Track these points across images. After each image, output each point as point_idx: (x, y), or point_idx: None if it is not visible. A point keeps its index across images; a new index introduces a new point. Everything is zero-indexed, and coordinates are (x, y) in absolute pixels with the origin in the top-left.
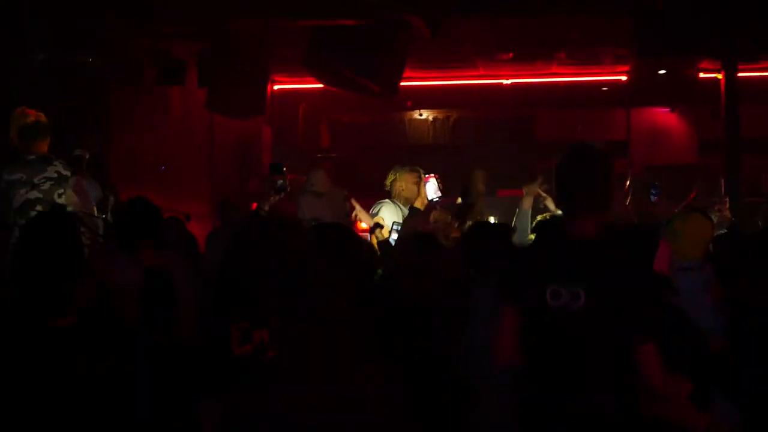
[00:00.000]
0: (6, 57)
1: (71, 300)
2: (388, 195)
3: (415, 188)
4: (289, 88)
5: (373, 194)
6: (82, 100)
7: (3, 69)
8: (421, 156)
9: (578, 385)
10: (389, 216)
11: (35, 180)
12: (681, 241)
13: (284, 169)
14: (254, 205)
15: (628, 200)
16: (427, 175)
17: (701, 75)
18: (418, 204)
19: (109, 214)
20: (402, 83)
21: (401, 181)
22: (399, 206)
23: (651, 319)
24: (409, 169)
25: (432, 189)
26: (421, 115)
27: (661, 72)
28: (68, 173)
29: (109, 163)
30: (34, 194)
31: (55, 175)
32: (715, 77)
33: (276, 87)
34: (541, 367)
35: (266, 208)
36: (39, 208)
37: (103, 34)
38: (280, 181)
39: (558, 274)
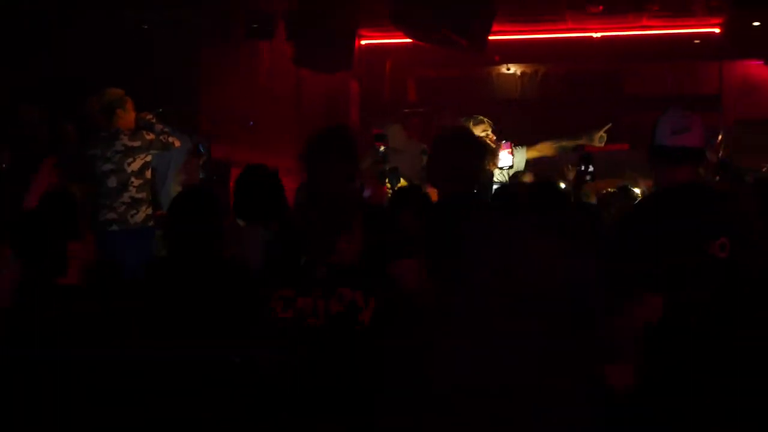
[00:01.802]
0: (97, 16)
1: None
2: None
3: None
4: (375, 43)
5: None
6: (172, 55)
7: (94, 28)
8: (508, 110)
9: None
10: None
11: (108, 154)
12: None
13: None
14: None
15: (720, 154)
16: (503, 143)
17: None
18: None
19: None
20: (489, 37)
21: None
22: None
23: None
24: (473, 122)
25: (505, 158)
26: (508, 69)
27: (756, 24)
28: (136, 143)
29: (199, 117)
30: (108, 166)
31: (123, 148)
32: None
33: (363, 42)
34: None
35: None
36: (113, 178)
37: None
38: (382, 149)
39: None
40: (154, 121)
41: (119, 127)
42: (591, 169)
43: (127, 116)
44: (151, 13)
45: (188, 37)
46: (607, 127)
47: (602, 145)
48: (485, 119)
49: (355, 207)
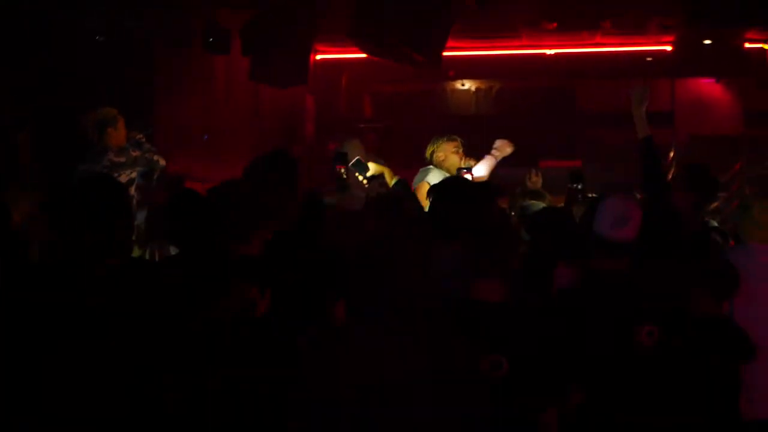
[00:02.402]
0: (54, 25)
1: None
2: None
3: (455, 157)
4: (331, 58)
5: (416, 164)
6: (127, 67)
7: (51, 37)
8: (463, 126)
9: None
10: (435, 182)
11: (96, 169)
12: (755, 228)
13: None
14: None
15: (671, 173)
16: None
17: (747, 45)
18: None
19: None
20: (445, 53)
21: (440, 151)
22: (444, 174)
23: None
24: (447, 138)
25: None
26: (463, 85)
27: (707, 42)
28: (121, 159)
29: (155, 132)
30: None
31: (109, 164)
32: (762, 47)
33: (319, 57)
34: None
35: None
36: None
37: (148, 3)
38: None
39: None
40: (143, 140)
41: (108, 144)
42: (581, 186)
43: (118, 134)
44: (105, 26)
45: (142, 50)
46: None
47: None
48: (456, 137)
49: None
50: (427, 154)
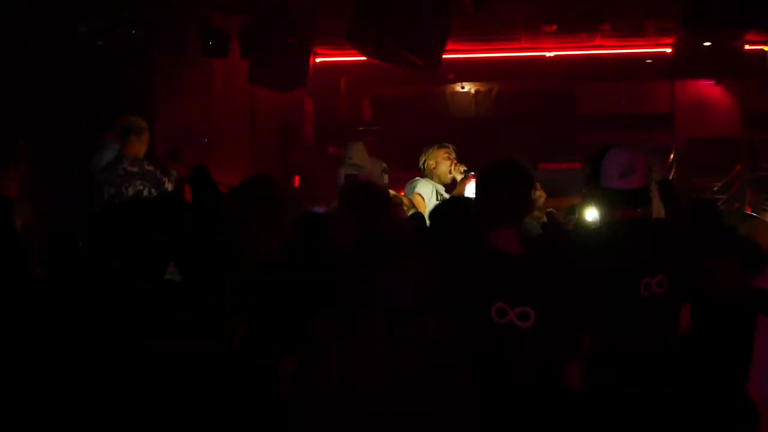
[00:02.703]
0: (52, 29)
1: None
2: (422, 174)
3: (446, 163)
4: (330, 61)
5: (415, 168)
6: (126, 71)
7: (48, 41)
8: (463, 129)
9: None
10: (426, 192)
11: (111, 177)
12: None
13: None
14: (297, 179)
15: (672, 174)
16: (471, 174)
17: (747, 47)
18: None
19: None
20: (444, 56)
21: (432, 159)
22: (434, 183)
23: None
24: (438, 146)
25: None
26: (463, 87)
27: (706, 44)
28: (134, 169)
29: (153, 135)
30: (110, 189)
31: (122, 172)
32: (761, 49)
33: (318, 60)
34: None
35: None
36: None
37: (148, 5)
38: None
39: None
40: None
41: (127, 152)
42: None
43: (139, 145)
44: (104, 30)
45: (140, 54)
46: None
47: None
48: (448, 144)
49: None
50: (420, 163)
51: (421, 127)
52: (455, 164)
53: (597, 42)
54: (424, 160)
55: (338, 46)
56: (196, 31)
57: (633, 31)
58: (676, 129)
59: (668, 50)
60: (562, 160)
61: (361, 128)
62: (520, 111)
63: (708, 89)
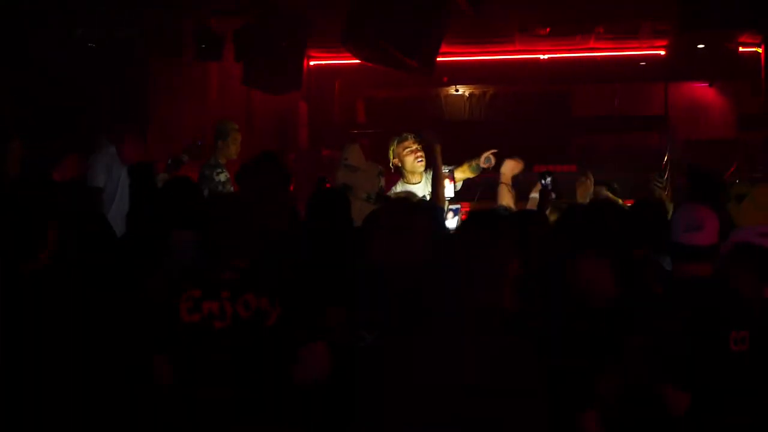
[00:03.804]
0: (46, 32)
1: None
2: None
3: (410, 157)
4: (324, 64)
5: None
6: (121, 74)
7: (43, 44)
8: (456, 132)
9: None
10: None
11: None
12: (755, 210)
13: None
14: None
15: (666, 176)
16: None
17: (741, 49)
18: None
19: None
20: (438, 59)
21: (395, 158)
22: (403, 186)
23: None
24: (397, 141)
25: (450, 190)
26: (457, 90)
27: (700, 46)
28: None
29: (149, 138)
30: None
31: (225, 179)
32: (756, 51)
33: (312, 63)
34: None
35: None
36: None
37: (143, 8)
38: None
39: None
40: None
41: (216, 157)
42: (549, 180)
43: (226, 150)
44: (99, 32)
45: (136, 56)
46: (492, 151)
47: (489, 165)
48: (408, 135)
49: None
50: (390, 164)
51: (416, 129)
52: (418, 154)
53: (591, 44)
54: (390, 160)
55: (332, 49)
56: (191, 34)
57: (627, 34)
58: (671, 131)
59: (662, 52)
60: (557, 163)
61: (355, 131)
62: (514, 114)
63: (702, 91)
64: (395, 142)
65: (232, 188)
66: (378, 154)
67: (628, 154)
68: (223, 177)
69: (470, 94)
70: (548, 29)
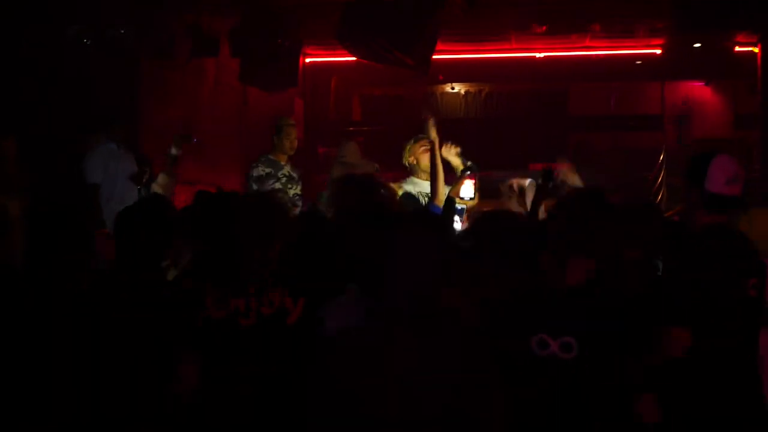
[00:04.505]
0: (39, 31)
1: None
2: (410, 172)
3: (425, 156)
4: (320, 61)
5: (406, 168)
6: (114, 73)
7: (36, 43)
8: (453, 130)
9: None
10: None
11: (278, 174)
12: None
13: None
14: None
15: (662, 174)
16: (468, 174)
17: (737, 48)
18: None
19: (143, 188)
20: (434, 56)
21: (411, 155)
22: (416, 184)
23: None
24: (414, 140)
25: (468, 190)
26: (453, 88)
27: (696, 45)
28: (296, 175)
29: (141, 136)
30: (277, 185)
31: (287, 174)
32: (752, 51)
33: (308, 60)
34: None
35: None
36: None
37: (137, 6)
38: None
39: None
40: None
41: (273, 152)
42: (551, 184)
43: (281, 144)
44: (92, 29)
45: (129, 53)
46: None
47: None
48: (423, 135)
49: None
50: (405, 161)
51: (412, 127)
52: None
53: (587, 43)
54: (405, 159)
55: (328, 47)
56: (185, 31)
57: (623, 33)
58: (667, 130)
59: (658, 51)
60: (553, 161)
61: (351, 128)
62: (510, 112)
63: (698, 90)
64: (412, 142)
65: (266, 185)
66: (374, 151)
67: (625, 153)
68: (256, 172)
69: (466, 92)
70: (544, 27)
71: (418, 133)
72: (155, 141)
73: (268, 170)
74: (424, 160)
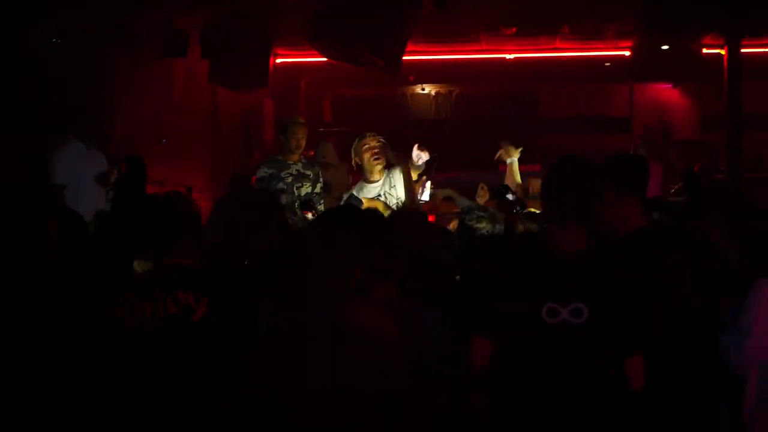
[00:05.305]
0: (9, 27)
1: None
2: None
3: (368, 154)
4: (291, 62)
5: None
6: (84, 71)
7: (6, 39)
8: (423, 131)
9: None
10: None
11: (281, 174)
12: None
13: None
14: (254, 179)
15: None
16: (424, 178)
17: (705, 51)
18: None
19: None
20: (405, 57)
21: (356, 156)
22: (361, 189)
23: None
24: (358, 139)
25: (426, 193)
26: (423, 89)
27: (664, 47)
28: (308, 172)
29: (111, 135)
30: (280, 186)
31: (295, 173)
32: (719, 53)
33: (278, 60)
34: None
35: None
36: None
37: (108, 5)
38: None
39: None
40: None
41: (280, 151)
42: (512, 197)
43: (287, 143)
44: (61, 28)
45: (99, 52)
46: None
47: (421, 161)
48: (366, 134)
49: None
50: (352, 163)
51: (382, 128)
52: (378, 154)
53: (557, 44)
54: (353, 159)
55: (299, 47)
56: (155, 30)
57: (592, 34)
58: (635, 131)
59: (627, 53)
60: (523, 162)
61: (322, 129)
62: (480, 113)
63: (666, 92)
64: (357, 141)
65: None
66: (346, 152)
67: (593, 154)
68: (259, 174)
69: (436, 93)
70: (514, 29)
71: (387, 134)
72: (127, 141)
73: (270, 171)
74: (366, 159)
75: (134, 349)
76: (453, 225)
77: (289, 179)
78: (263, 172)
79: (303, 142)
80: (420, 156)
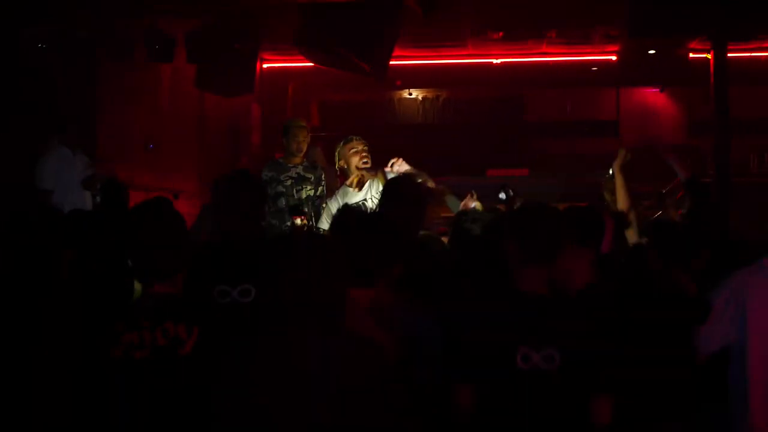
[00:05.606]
0: None
1: None
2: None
3: (355, 158)
4: (278, 67)
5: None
6: (71, 75)
7: None
8: (410, 135)
9: None
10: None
11: (281, 177)
12: None
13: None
14: None
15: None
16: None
17: (691, 55)
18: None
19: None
20: (392, 62)
21: (341, 159)
22: (343, 194)
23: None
24: (344, 142)
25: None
26: (410, 94)
27: (651, 52)
28: (309, 175)
29: (97, 140)
30: (279, 189)
31: (295, 176)
32: (705, 57)
33: (265, 65)
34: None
35: None
36: (282, 200)
37: (94, 9)
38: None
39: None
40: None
41: (283, 155)
42: (511, 194)
43: (288, 146)
44: (47, 32)
45: (85, 57)
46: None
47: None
48: (353, 137)
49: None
50: (336, 167)
51: (369, 133)
52: (364, 156)
53: (543, 49)
54: (337, 163)
55: (286, 52)
56: (142, 35)
57: (579, 39)
58: (622, 135)
59: (614, 58)
60: (510, 167)
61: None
62: (467, 117)
63: (653, 97)
64: (341, 144)
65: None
66: (333, 157)
67: (580, 159)
68: (261, 176)
69: (424, 98)
70: (501, 33)
71: (375, 139)
72: (114, 146)
73: (270, 174)
74: (354, 162)
75: (122, 378)
76: (441, 230)
77: (289, 182)
78: (264, 175)
79: (304, 145)
80: (398, 169)
